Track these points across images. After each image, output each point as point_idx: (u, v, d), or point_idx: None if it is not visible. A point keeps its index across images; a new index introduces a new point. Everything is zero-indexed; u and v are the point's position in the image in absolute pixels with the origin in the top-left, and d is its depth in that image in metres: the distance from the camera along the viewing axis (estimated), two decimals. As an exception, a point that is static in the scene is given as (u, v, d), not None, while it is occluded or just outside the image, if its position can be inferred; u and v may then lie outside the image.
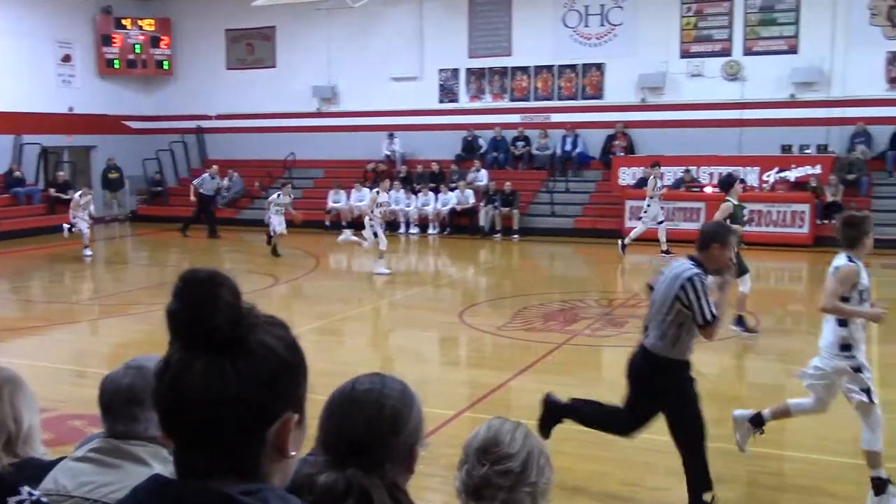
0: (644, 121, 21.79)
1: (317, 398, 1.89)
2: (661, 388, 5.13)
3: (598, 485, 5.71)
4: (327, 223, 21.83)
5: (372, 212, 14.68)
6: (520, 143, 22.89)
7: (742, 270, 9.79)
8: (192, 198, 21.25)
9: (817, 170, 19.26)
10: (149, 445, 2.29)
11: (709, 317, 4.87)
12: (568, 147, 22.39)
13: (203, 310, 1.31)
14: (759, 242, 17.49)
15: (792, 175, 19.50)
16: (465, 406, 7.47)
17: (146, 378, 2.19)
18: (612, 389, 8.24)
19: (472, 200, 21.31)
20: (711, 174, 20.08)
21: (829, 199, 18.56)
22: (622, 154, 21.59)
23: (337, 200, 22.31)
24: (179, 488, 1.34)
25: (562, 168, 22.28)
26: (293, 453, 1.39)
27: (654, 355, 5.10)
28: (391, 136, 23.86)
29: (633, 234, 16.92)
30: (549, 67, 22.98)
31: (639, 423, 5.32)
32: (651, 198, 16.92)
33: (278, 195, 17.64)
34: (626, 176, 20.88)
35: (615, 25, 22.20)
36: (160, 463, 2.21)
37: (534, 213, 21.31)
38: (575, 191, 21.75)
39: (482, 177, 21.94)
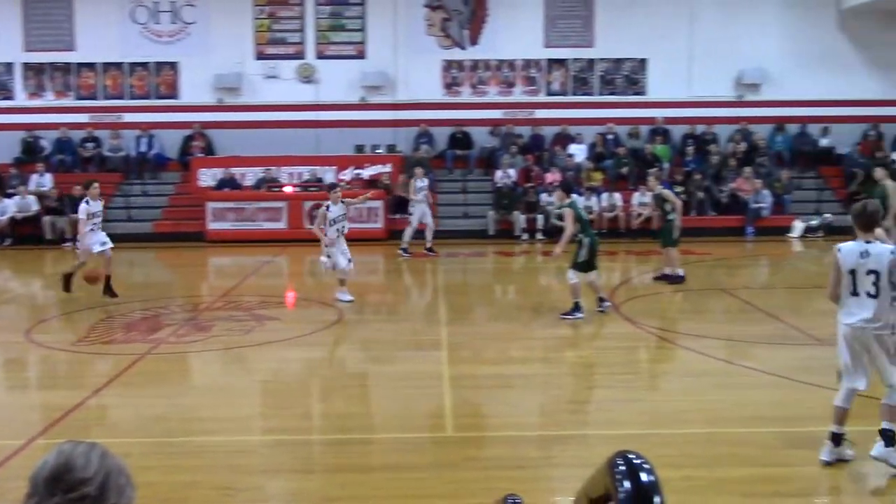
0: (222, 121, 21.63)
1: None
2: None
3: (190, 495, 5.54)
4: None
5: (325, 234, 11.88)
6: (89, 145, 21.47)
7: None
8: None
9: (388, 168, 20.64)
10: None
11: None
12: (143, 148, 21.48)
13: None
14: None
15: (366, 173, 20.68)
16: (37, 433, 6.79)
17: None
18: (201, 395, 8.10)
19: (35, 207, 19.47)
20: (291, 174, 20.59)
21: (399, 195, 19.99)
22: (201, 155, 21.24)
23: None
24: None
25: (137, 170, 21.33)
26: None
27: None
28: (-67, 137, 20.96)
29: (405, 237, 16.90)
30: (119, 65, 21.84)
31: None
32: (414, 199, 17.05)
33: (86, 201, 12.25)
34: (207, 177, 20.58)
35: (188, 24, 21.73)
36: None
37: (108, 219, 19.94)
38: (153, 194, 20.94)
39: (46, 181, 20.18)
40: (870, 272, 5.64)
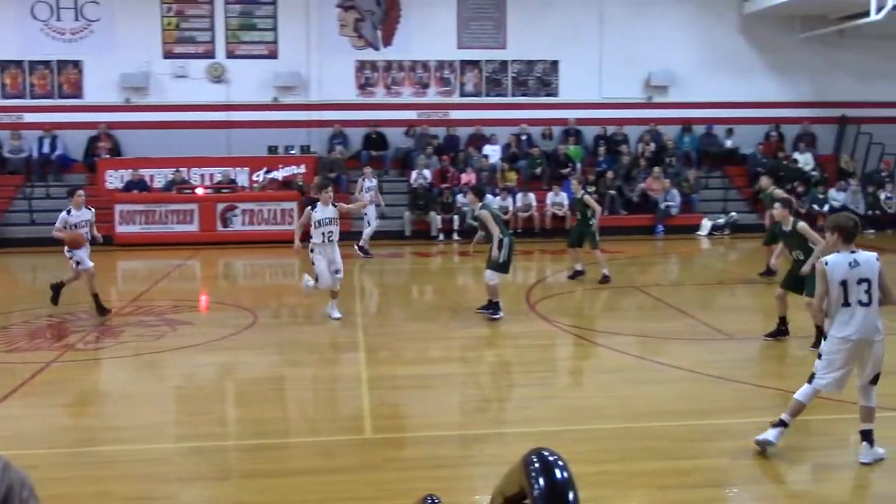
0: (130, 122, 21.09)
1: None
2: None
3: (101, 506, 5.39)
4: None
5: (310, 237, 10.88)
6: (-12, 146, 20.67)
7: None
8: None
9: (302, 169, 20.45)
10: None
11: None
12: (46, 149, 20.77)
13: None
14: (252, 241, 18.05)
15: (279, 175, 20.44)
16: (-65, 446, 6.51)
17: None
18: (111, 403, 7.87)
19: (-68, 211, 18.65)
20: (203, 175, 20.21)
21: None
22: (108, 156, 20.66)
23: None
24: None
25: (40, 172, 20.61)
26: None
27: None
28: None
29: (365, 236, 17.04)
30: (19, 63, 21.09)
31: None
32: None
33: (68, 211, 11.49)
34: (114, 179, 20.04)
35: (92, 21, 21.12)
36: None
37: (10, 223, 19.38)
38: (57, 196, 20.15)
39: (-56, 184, 19.38)
40: (861, 281, 5.72)
